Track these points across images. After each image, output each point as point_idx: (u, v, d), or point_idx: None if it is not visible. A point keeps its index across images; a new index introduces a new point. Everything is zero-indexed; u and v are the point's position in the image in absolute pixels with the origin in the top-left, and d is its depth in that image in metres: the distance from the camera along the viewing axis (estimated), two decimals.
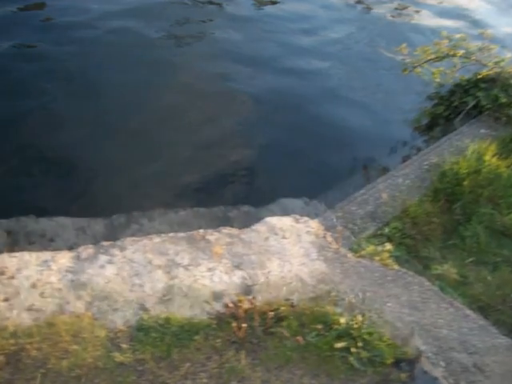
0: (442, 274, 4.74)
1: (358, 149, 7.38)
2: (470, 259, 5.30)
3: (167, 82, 7.79)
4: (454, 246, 5.58)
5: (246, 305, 3.39)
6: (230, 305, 3.41)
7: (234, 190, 5.88)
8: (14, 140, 6.05)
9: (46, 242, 3.51)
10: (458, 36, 7.48)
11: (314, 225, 4.06)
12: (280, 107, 7.75)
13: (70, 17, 9.01)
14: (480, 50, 7.38)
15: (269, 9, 10.60)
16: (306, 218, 4.12)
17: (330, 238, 3.99)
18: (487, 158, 6.04)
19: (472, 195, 5.80)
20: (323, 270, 3.78)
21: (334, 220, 4.78)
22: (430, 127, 7.60)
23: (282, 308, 3.42)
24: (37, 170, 5.83)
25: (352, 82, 8.71)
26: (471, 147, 6.25)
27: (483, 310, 4.60)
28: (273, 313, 3.37)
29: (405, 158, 7.33)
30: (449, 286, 4.62)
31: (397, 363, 3.35)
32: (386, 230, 5.44)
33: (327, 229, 4.16)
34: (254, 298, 3.46)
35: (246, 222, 3.89)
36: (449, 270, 4.71)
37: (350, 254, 3.97)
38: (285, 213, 4.01)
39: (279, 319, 3.40)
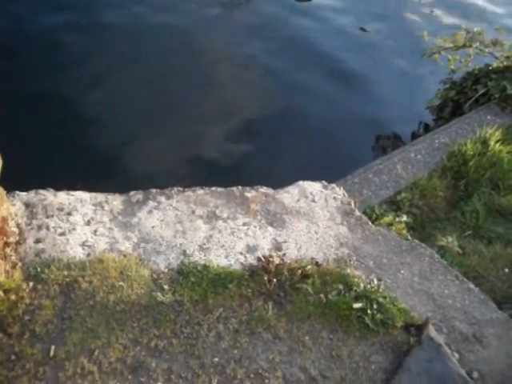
0: (445, 245, 4.56)
1: (374, 123, 7.13)
2: (468, 232, 5.13)
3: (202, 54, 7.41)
4: (454, 219, 5.42)
5: (276, 260, 3.20)
6: (262, 259, 3.22)
7: (251, 169, 5.62)
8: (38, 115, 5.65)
9: (64, 216, 3.28)
10: (475, 30, 7.13)
11: (340, 192, 3.84)
12: (299, 83, 7.44)
13: None
14: (494, 44, 7.05)
15: None
16: (333, 185, 3.90)
17: (353, 206, 3.76)
18: (492, 142, 5.84)
19: (475, 175, 5.63)
20: (346, 235, 3.58)
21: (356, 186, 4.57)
22: (441, 109, 7.31)
23: (309, 267, 3.23)
24: (57, 145, 5.51)
25: (373, 64, 8.37)
26: (478, 131, 6.04)
27: (477, 279, 4.45)
28: (300, 270, 3.18)
29: (416, 134, 7.11)
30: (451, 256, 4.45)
31: (406, 327, 3.18)
32: (398, 198, 5.26)
33: (350, 195, 3.92)
34: (284, 254, 3.26)
35: (265, 204, 3.61)
36: (453, 242, 4.52)
37: (370, 222, 3.74)
38: (303, 195, 3.75)
39: (305, 276, 3.22)
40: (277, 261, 3.21)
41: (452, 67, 7.18)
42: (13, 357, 2.74)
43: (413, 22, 9.41)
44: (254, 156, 6.02)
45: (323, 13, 9.22)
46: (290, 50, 8.22)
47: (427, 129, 7.41)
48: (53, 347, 2.79)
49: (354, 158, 6.24)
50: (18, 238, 3.17)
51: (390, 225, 3.91)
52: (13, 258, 3.07)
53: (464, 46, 7.04)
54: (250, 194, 3.65)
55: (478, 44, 6.98)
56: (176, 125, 6.01)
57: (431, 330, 3.17)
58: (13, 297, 2.90)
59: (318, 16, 9.12)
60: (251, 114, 6.55)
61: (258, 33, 8.30)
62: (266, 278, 3.12)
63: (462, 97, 7.03)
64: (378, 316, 3.14)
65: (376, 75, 8.09)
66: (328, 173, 5.24)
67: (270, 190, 3.72)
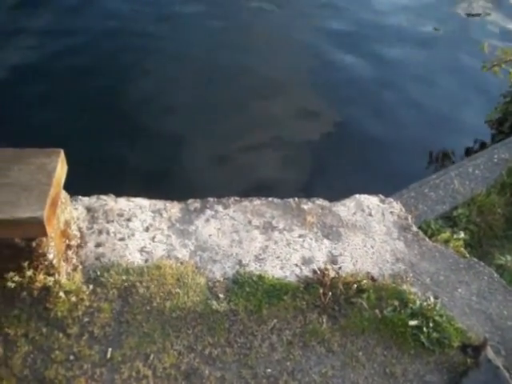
0: (503, 264, 4.45)
1: (430, 137, 7.01)
2: None
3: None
4: None
5: (332, 273, 3.19)
6: (318, 271, 3.21)
7: (306, 182, 5.58)
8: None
9: (124, 222, 3.35)
10: None
11: (397, 206, 3.79)
12: (355, 93, 7.36)
13: None
14: None
15: None
16: (390, 199, 3.86)
17: (410, 221, 3.72)
18: None
19: None
20: (402, 250, 3.54)
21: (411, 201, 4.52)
22: (500, 123, 7.14)
23: (364, 281, 3.21)
24: (120, 147, 5.57)
25: (431, 71, 8.23)
26: None
27: None
28: (355, 284, 3.17)
29: (474, 149, 6.96)
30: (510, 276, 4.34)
31: (463, 347, 3.11)
32: (454, 213, 5.17)
33: (406, 210, 3.88)
34: (340, 268, 3.25)
35: (321, 216, 3.60)
36: (511, 261, 4.42)
37: (427, 238, 3.69)
38: (359, 208, 3.73)
39: (360, 291, 3.19)
40: (332, 274, 3.20)
41: None
42: (71, 357, 2.83)
43: (472, 33, 9.22)
44: (307, 167, 6.01)
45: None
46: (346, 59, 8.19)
47: (484, 144, 7.25)
48: (110, 349, 2.86)
49: (407, 173, 6.16)
50: (79, 241, 3.26)
51: (447, 241, 3.84)
52: (74, 260, 3.16)
53: None
54: (307, 205, 3.65)
55: None
56: (230, 134, 6.05)
57: (489, 352, 3.09)
58: (73, 298, 2.99)
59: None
60: (309, 127, 6.54)
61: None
62: (321, 291, 3.11)
63: None
64: (434, 335, 3.09)
65: (432, 87, 7.96)
66: (382, 187, 5.19)
67: (326, 203, 3.71)
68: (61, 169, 2.97)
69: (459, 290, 3.47)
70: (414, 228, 3.73)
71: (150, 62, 7.00)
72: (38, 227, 2.72)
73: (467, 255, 3.76)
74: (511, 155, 5.82)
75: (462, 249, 3.79)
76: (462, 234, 4.00)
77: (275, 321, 3.04)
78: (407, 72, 8.08)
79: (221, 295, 3.10)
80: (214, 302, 3.05)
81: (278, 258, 3.34)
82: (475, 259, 3.73)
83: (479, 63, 7.13)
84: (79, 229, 3.32)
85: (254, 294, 3.12)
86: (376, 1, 9.81)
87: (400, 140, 6.93)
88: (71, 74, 6.64)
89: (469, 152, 6.94)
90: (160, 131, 5.85)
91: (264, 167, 5.85)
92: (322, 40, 8.29)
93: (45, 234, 2.77)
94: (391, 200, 3.87)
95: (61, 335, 2.88)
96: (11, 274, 2.92)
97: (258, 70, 7.24)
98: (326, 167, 6.06)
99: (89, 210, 3.44)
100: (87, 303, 2.99)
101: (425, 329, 3.10)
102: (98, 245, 3.26)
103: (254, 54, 7.53)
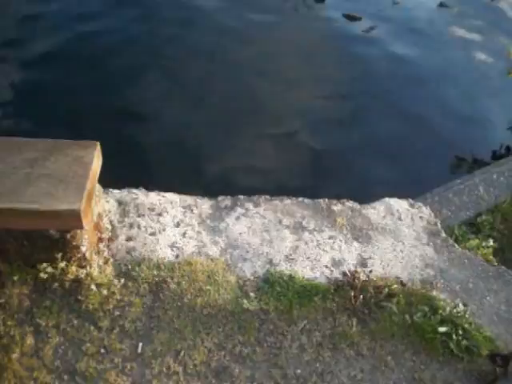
0: None
1: (456, 140, 6.97)
2: None
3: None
4: None
5: (362, 276, 3.18)
6: (348, 274, 3.21)
7: (336, 184, 5.56)
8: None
9: (155, 216, 3.36)
10: None
11: (427, 211, 3.79)
12: (379, 101, 7.32)
13: None
14: None
15: None
16: (419, 204, 3.86)
17: (439, 226, 3.70)
18: None
19: None
20: (432, 256, 3.53)
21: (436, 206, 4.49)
22: None
23: (395, 286, 3.20)
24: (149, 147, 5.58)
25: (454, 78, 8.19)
26: None
27: None
28: (386, 288, 3.16)
29: (498, 155, 6.91)
30: None
31: (491, 356, 3.10)
32: (478, 220, 5.13)
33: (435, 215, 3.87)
34: (370, 271, 3.24)
35: (351, 218, 3.60)
36: None
37: (456, 245, 3.67)
38: (389, 212, 3.72)
39: (390, 295, 3.18)
40: (363, 277, 3.19)
41: None
42: (102, 350, 2.84)
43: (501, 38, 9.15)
44: (332, 170, 5.99)
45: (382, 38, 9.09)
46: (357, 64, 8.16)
47: (509, 150, 7.20)
48: (140, 344, 2.87)
49: (432, 176, 6.12)
50: (110, 234, 3.27)
51: (475, 249, 3.82)
52: (105, 253, 3.17)
53: None
54: (337, 207, 3.64)
55: None
56: (259, 134, 6.04)
57: None
58: (104, 291, 2.99)
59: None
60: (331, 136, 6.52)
61: None
62: (352, 293, 3.11)
63: None
64: (464, 342, 3.08)
65: (458, 93, 7.92)
66: (406, 191, 5.17)
67: (356, 205, 3.70)
68: (97, 161, 2.98)
69: (488, 298, 3.45)
70: (443, 234, 3.72)
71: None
72: (74, 219, 2.73)
73: (496, 263, 3.75)
74: None
75: (491, 256, 3.78)
76: (491, 242, 3.98)
77: (305, 322, 3.04)
78: (432, 72, 8.02)
79: (251, 294, 3.10)
80: (245, 301, 3.05)
81: (308, 258, 3.34)
82: (504, 267, 3.71)
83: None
84: (110, 222, 3.33)
85: (284, 294, 3.11)
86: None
87: (426, 142, 6.88)
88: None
89: (495, 156, 6.91)
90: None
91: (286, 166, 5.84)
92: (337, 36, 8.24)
93: (81, 227, 2.78)
94: (420, 204, 3.86)
95: (92, 328, 2.89)
96: (44, 265, 2.93)
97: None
98: (351, 169, 6.04)
99: (120, 203, 3.45)
100: (118, 297, 3.00)
101: (454, 336, 3.09)
102: (128, 238, 3.27)
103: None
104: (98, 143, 3.02)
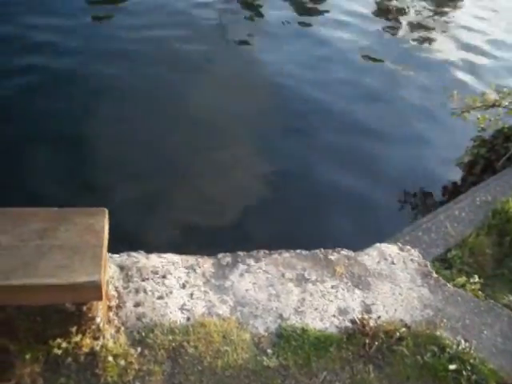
0: (507, 304, 4.65)
1: (408, 179, 7.32)
2: None
3: None
4: (502, 276, 5.51)
5: (371, 323, 3.28)
6: (358, 321, 3.29)
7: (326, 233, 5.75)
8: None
9: (159, 279, 3.34)
10: (505, 90, 7.40)
11: (416, 254, 3.95)
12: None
13: None
14: None
15: None
16: (408, 247, 4.02)
17: (429, 267, 3.87)
18: None
19: None
20: (428, 296, 3.66)
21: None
22: (471, 166, 7.52)
23: (403, 329, 3.31)
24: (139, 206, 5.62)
25: (399, 119, 8.62)
26: None
27: None
28: (397, 333, 3.26)
29: (449, 189, 7.28)
30: None
31: None
32: (448, 255, 5.37)
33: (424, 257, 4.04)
34: (379, 317, 3.34)
35: (348, 267, 3.72)
36: None
37: (448, 284, 3.84)
38: (382, 257, 3.87)
39: (399, 338, 3.28)
40: (372, 323, 3.28)
41: (482, 125, 7.41)
42: None
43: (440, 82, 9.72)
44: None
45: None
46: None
47: (455, 185, 7.60)
48: None
49: (396, 216, 6.39)
50: (117, 301, 3.22)
51: (463, 286, 4.01)
52: (116, 322, 3.11)
53: (493, 105, 7.29)
54: (333, 256, 3.74)
55: (507, 103, 7.22)
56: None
57: None
58: (122, 362, 2.93)
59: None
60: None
61: None
62: (367, 340, 3.18)
63: (493, 154, 7.23)
64: (474, 377, 3.21)
65: (402, 132, 8.33)
66: (375, 234, 5.37)
67: (350, 253, 3.81)
68: (107, 229, 2.96)
69: (485, 332, 3.61)
70: (434, 274, 3.88)
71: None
72: (94, 291, 2.69)
73: (484, 298, 3.94)
74: (492, 197, 6.12)
75: (480, 292, 3.97)
76: (476, 278, 4.17)
77: (325, 373, 3.08)
78: (378, 118, 8.42)
79: (269, 350, 3.12)
80: (264, 358, 3.06)
81: (316, 309, 3.40)
82: (492, 301, 3.90)
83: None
84: (116, 288, 3.28)
85: (301, 347, 3.15)
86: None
87: (378, 185, 7.17)
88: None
89: (445, 191, 7.29)
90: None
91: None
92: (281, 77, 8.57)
93: (100, 298, 2.74)
94: (409, 248, 4.02)
95: None
96: (58, 340, 2.85)
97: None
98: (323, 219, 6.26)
99: (122, 268, 3.41)
100: (137, 366, 2.94)
101: (464, 372, 3.21)
102: (136, 304, 3.23)
103: None
104: (106, 210, 3.00)
